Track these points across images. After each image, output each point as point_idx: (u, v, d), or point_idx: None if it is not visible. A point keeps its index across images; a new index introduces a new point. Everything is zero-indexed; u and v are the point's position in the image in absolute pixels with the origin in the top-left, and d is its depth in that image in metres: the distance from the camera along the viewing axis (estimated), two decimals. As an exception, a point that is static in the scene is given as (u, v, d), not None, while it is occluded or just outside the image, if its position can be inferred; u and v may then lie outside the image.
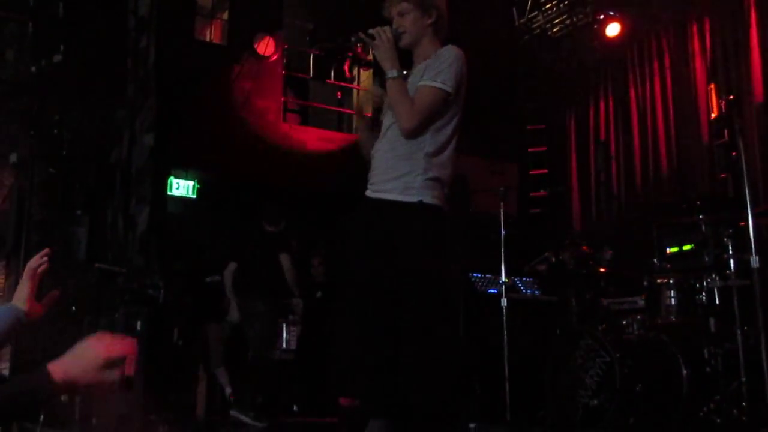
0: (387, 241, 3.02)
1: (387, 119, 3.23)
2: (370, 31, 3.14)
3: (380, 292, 3.04)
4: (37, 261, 2.28)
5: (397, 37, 3.17)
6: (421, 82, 3.09)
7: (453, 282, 3.41)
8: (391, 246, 3.01)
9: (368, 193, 3.20)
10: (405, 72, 3.17)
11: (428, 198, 3.03)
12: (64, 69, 6.24)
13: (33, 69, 6.34)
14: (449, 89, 3.05)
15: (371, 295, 3.06)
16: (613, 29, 8.63)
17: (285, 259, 6.63)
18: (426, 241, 3.00)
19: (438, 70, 3.08)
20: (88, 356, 1.65)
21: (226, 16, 10.43)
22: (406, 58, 3.22)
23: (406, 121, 3.05)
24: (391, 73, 3.10)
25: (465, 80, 3.14)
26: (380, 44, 3.11)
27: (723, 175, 7.14)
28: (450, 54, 3.13)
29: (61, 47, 6.16)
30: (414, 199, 3.02)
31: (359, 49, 3.20)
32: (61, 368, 1.61)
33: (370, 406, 3.15)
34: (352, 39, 3.16)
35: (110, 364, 1.65)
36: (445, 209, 3.09)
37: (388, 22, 3.23)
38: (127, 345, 1.69)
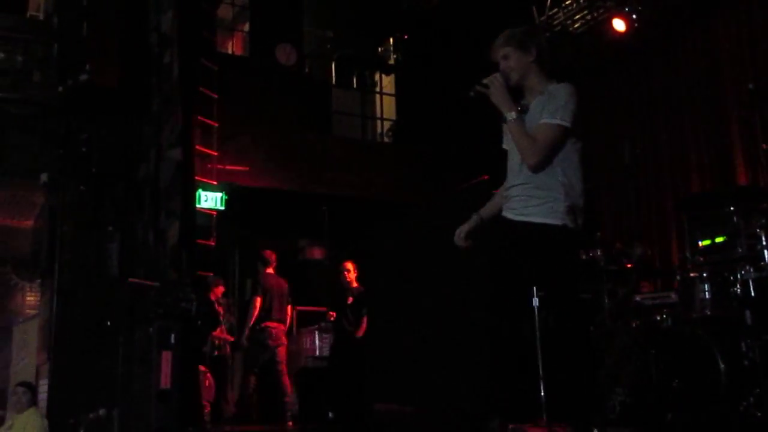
0: (530, 257, 3.33)
1: (516, 156, 3.48)
2: (484, 81, 3.44)
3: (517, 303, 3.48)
4: None
5: (506, 78, 3.46)
6: (542, 120, 3.36)
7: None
8: (534, 262, 3.32)
9: (508, 215, 3.46)
10: (520, 108, 3.45)
11: (570, 223, 3.30)
12: (90, 88, 6.32)
13: (60, 89, 6.44)
14: (568, 124, 3.32)
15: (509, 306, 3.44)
16: (618, 25, 8.56)
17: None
18: (566, 261, 3.36)
19: (556, 107, 3.35)
20: None
21: (246, 27, 10.52)
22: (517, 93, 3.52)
23: (530, 158, 3.34)
24: (510, 115, 3.38)
25: (580, 112, 3.39)
26: (494, 91, 3.40)
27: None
28: (566, 91, 3.39)
29: (87, 66, 6.24)
30: (559, 222, 3.28)
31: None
32: None
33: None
34: (472, 93, 3.46)
35: None
36: (582, 236, 3.46)
37: (495, 67, 3.51)
38: None
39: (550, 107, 3.35)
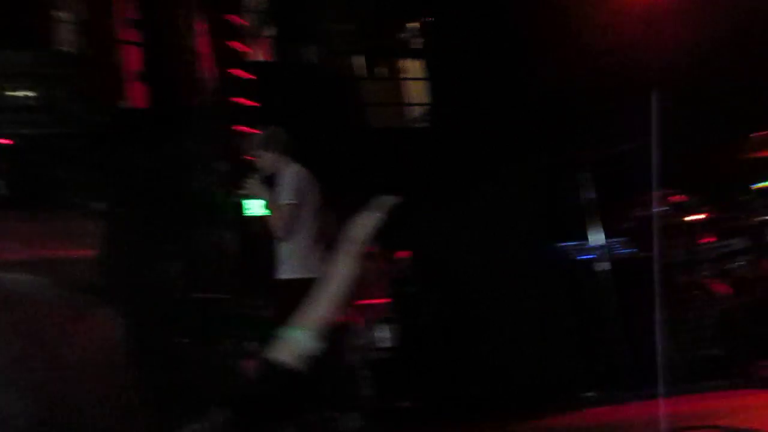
0: None
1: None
2: (244, 186, 4.77)
3: None
4: None
5: (261, 172, 4.70)
6: (278, 203, 4.47)
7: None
8: None
9: None
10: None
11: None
12: (129, 112, 6.38)
13: (100, 117, 6.50)
14: (290, 200, 4.45)
15: None
16: None
17: None
18: None
19: (281, 190, 4.52)
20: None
21: (269, 33, 10.51)
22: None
23: (279, 237, 4.50)
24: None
25: (304, 182, 4.56)
26: (252, 191, 4.73)
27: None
28: (285, 176, 4.55)
29: (124, 92, 6.29)
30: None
31: None
32: None
33: None
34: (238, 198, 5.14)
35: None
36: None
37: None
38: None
39: (280, 190, 4.45)
